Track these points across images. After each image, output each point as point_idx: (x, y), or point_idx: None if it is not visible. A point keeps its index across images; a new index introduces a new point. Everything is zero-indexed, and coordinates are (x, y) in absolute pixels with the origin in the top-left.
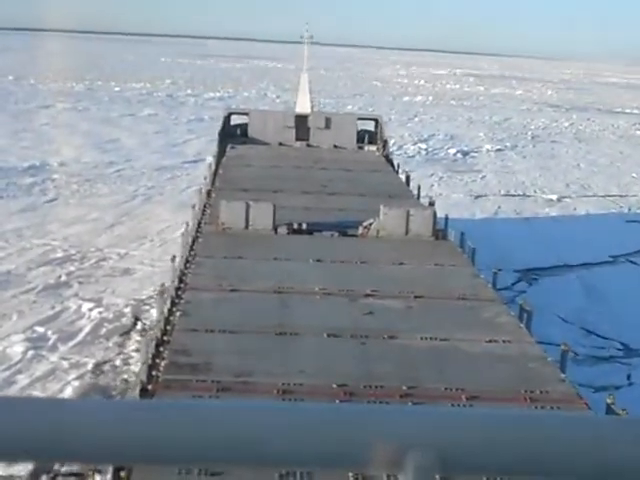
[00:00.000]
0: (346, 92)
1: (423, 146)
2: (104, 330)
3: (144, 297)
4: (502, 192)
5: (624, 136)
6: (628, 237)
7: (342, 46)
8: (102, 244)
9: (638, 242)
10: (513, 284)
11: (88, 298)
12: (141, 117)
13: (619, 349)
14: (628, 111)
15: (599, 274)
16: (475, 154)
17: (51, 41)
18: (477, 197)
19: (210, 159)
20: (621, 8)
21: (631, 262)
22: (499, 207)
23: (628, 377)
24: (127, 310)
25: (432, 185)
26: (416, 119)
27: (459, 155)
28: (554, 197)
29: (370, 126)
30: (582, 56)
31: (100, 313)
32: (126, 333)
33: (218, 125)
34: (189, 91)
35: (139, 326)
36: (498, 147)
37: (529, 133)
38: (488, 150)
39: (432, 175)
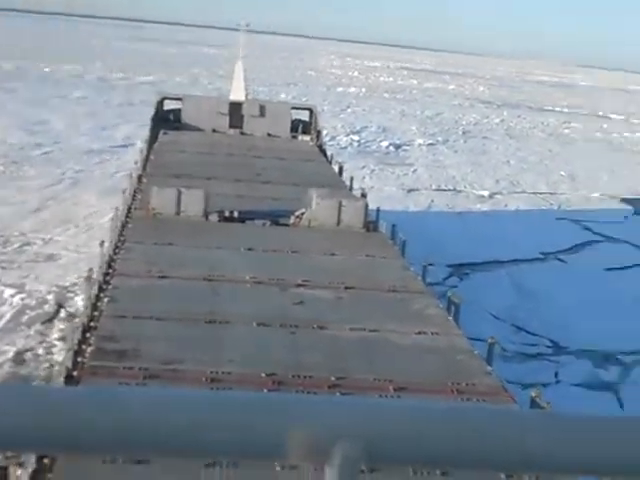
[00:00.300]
0: (280, 81)
1: (355, 138)
2: (26, 317)
3: (68, 284)
4: (433, 186)
5: (553, 134)
6: (558, 235)
7: (278, 35)
8: (26, 228)
9: (567, 240)
10: (445, 279)
11: (10, 284)
12: (71, 99)
13: (548, 346)
14: (558, 109)
15: (529, 271)
16: (407, 147)
17: None
18: (410, 191)
19: (140, 144)
20: (556, 10)
21: (560, 260)
22: (432, 201)
23: (556, 375)
24: (50, 297)
25: (364, 177)
26: (349, 110)
27: (391, 148)
28: (485, 193)
29: (304, 116)
30: (516, 54)
31: (22, 300)
32: (49, 321)
33: (149, 110)
34: (121, 74)
35: (63, 314)
36: (430, 141)
37: (460, 128)
38: (420, 144)
39: (364, 167)
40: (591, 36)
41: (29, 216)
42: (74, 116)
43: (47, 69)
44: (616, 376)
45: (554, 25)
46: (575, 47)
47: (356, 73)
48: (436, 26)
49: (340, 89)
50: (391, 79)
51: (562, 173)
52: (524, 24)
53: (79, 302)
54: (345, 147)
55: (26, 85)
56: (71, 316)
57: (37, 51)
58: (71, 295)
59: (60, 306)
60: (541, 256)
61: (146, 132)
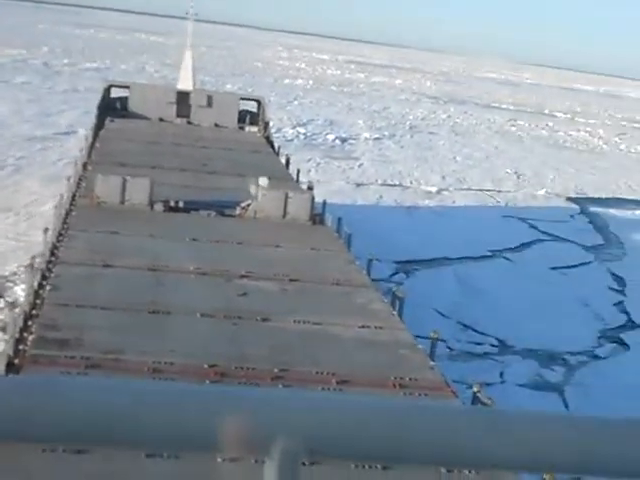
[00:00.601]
0: (226, 71)
1: (302, 130)
2: None
3: (7, 273)
4: (379, 181)
5: (499, 131)
6: (505, 233)
7: (227, 25)
8: None
9: (514, 238)
10: (391, 275)
11: None
12: (14, 85)
13: (494, 345)
14: (504, 107)
15: (475, 269)
16: (353, 141)
17: None
18: (357, 185)
19: (83, 131)
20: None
21: (506, 258)
22: (380, 197)
23: (501, 374)
24: None
25: (309, 170)
26: (296, 102)
27: (337, 141)
28: (433, 189)
29: (252, 107)
30: (465, 51)
31: None
32: None
33: (94, 96)
34: (66, 60)
35: (1, 303)
36: (376, 135)
37: (407, 123)
38: (366, 138)
39: (310, 160)
40: (540, 35)
41: None
42: (17, 102)
43: None
44: (561, 377)
45: (504, 23)
46: (523, 45)
47: (304, 65)
48: (385, 21)
49: (287, 81)
50: (339, 72)
51: (508, 170)
52: (474, 21)
53: (19, 291)
54: (291, 139)
55: None
56: (11, 305)
57: None
58: (10, 285)
59: None
60: (488, 254)
61: (91, 119)
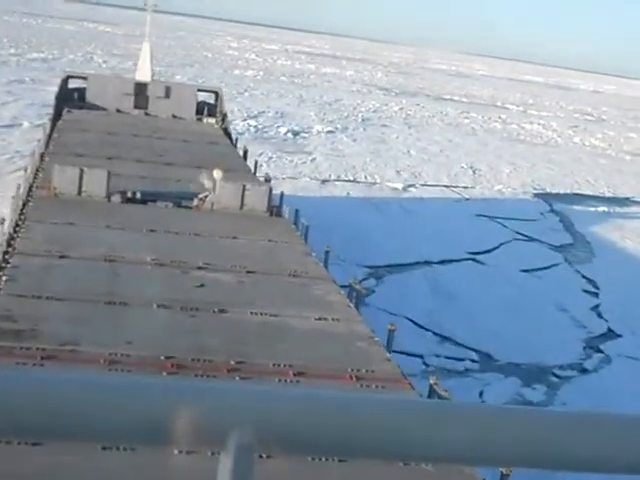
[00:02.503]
0: (176, 61)
1: (253, 123)
2: None
3: None
4: (333, 176)
5: (452, 124)
6: (473, 232)
7: (176, 14)
8: None
9: (483, 238)
10: (360, 281)
11: None
12: None
13: (474, 360)
14: (457, 99)
15: (447, 274)
16: (305, 135)
17: None
18: (324, 182)
19: (28, 124)
20: None
21: (478, 262)
22: (347, 194)
23: (480, 394)
24: None
25: (261, 165)
26: (246, 94)
27: (289, 135)
28: (399, 186)
29: (210, 99)
30: (414, 41)
31: None
32: None
33: (39, 87)
34: (12, 50)
35: None
36: (329, 128)
37: (359, 115)
38: (319, 131)
39: (261, 154)
40: (489, 26)
41: None
42: None
43: None
44: (543, 396)
45: (453, 13)
46: (472, 36)
47: (253, 56)
48: (334, 10)
49: (237, 72)
50: (289, 63)
51: (463, 165)
52: (423, 12)
53: None
54: (242, 133)
55: None
56: None
57: None
58: None
59: None
60: (458, 256)
61: (35, 111)
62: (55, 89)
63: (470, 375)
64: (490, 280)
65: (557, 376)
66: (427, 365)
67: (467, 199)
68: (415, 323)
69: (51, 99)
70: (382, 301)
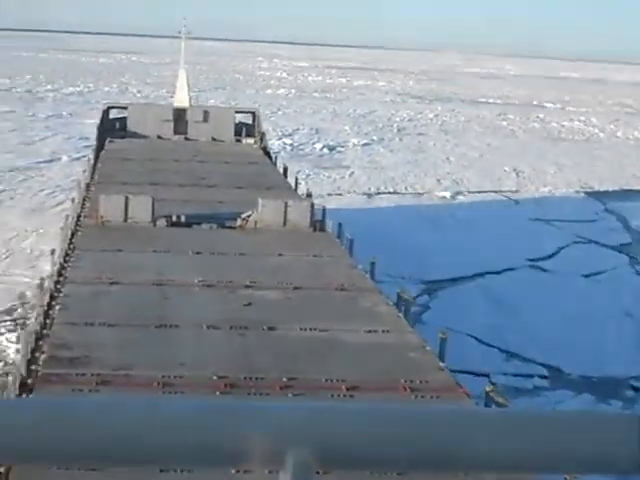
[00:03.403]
0: (208, 86)
1: (288, 141)
2: None
3: None
4: (372, 189)
5: (490, 127)
6: (527, 237)
7: (206, 40)
8: None
9: (538, 242)
10: (415, 297)
11: None
12: None
13: (543, 376)
14: (491, 101)
15: (511, 284)
16: (342, 149)
17: None
18: (369, 196)
19: (67, 158)
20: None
21: (533, 267)
22: (395, 206)
23: None
24: None
25: (299, 183)
26: (279, 113)
27: (325, 150)
28: (447, 194)
29: (248, 119)
30: (443, 47)
31: None
32: None
33: (76, 121)
34: (49, 86)
35: None
36: (365, 141)
37: (395, 126)
38: (355, 144)
39: (299, 172)
40: (514, 25)
41: None
42: None
43: None
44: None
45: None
46: (499, 37)
47: (284, 74)
48: (361, 23)
49: (269, 91)
50: (320, 78)
51: (505, 168)
52: (446, 17)
53: (1, 342)
54: (278, 152)
55: None
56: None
57: None
58: None
59: None
60: (520, 264)
61: (73, 145)
62: (91, 121)
63: (541, 393)
64: (552, 288)
65: (635, 389)
66: (494, 385)
67: (517, 203)
68: (478, 339)
69: (88, 132)
70: (441, 318)
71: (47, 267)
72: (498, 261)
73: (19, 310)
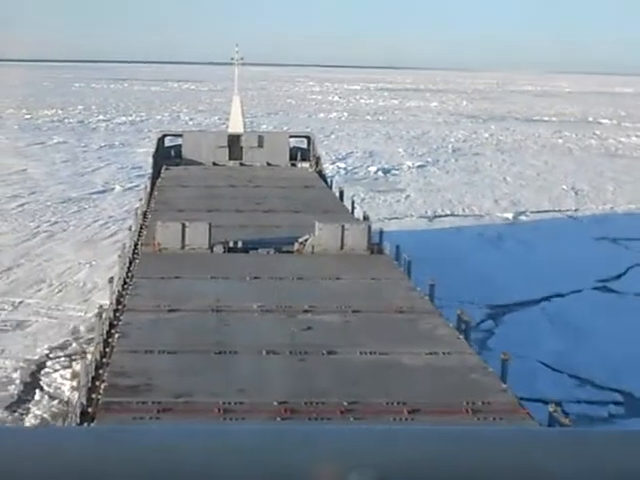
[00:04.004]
0: (260, 111)
1: (342, 165)
2: None
3: (37, 357)
4: (429, 212)
5: (546, 145)
6: (605, 258)
7: (255, 65)
8: None
9: (617, 263)
10: (480, 323)
11: None
12: (50, 145)
13: (618, 402)
14: (546, 119)
15: (579, 307)
16: (396, 171)
17: None
18: (431, 219)
19: (120, 188)
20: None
21: (603, 289)
22: (458, 229)
23: None
24: (16, 375)
25: (353, 210)
26: (332, 136)
27: (380, 173)
28: (509, 216)
29: (302, 144)
30: (493, 66)
31: None
32: (12, 406)
33: (129, 151)
34: (101, 116)
35: (37, 395)
36: (419, 163)
37: (449, 146)
38: (409, 167)
39: (353, 196)
40: (562, 41)
41: None
42: (52, 163)
43: (28, 116)
44: None
45: (531, 35)
46: (554, 55)
47: (336, 97)
48: (410, 45)
49: (321, 115)
50: (372, 101)
51: (564, 187)
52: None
53: (56, 379)
54: (332, 176)
55: (6, 134)
56: (51, 398)
57: (18, 98)
58: (36, 369)
59: (29, 386)
60: (588, 286)
61: (126, 174)
62: (143, 150)
63: (617, 422)
64: (622, 310)
65: None
66: (567, 414)
67: (579, 222)
68: (546, 365)
69: (140, 161)
70: (506, 343)
71: (100, 301)
72: (564, 283)
73: (73, 345)
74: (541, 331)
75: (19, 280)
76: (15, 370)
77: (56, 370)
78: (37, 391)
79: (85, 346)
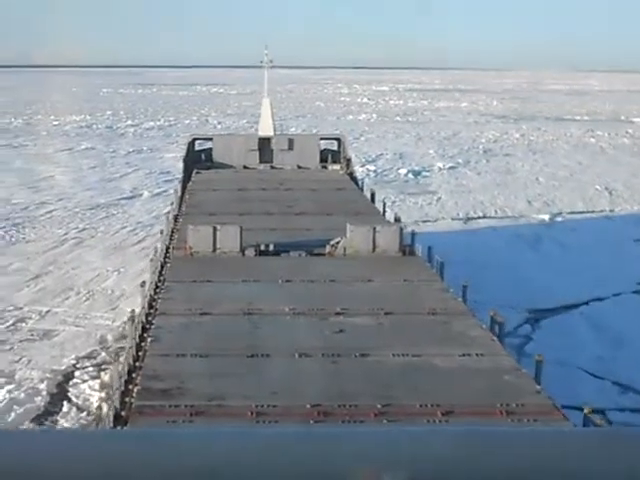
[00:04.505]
0: (289, 114)
1: (372, 167)
2: (13, 415)
3: (63, 367)
4: (461, 214)
5: (578, 145)
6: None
7: (283, 68)
8: (22, 301)
9: None
10: (517, 327)
11: None
12: (78, 151)
13: None
14: (578, 118)
15: (618, 311)
16: (427, 173)
17: None
18: (467, 220)
19: (148, 194)
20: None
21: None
22: (493, 230)
23: None
24: (42, 386)
25: (385, 212)
26: (362, 138)
27: (410, 175)
28: (545, 217)
29: (333, 146)
30: (522, 66)
31: (10, 392)
32: (39, 418)
33: (156, 155)
34: (129, 122)
35: (65, 407)
36: (450, 164)
37: (480, 147)
38: (440, 168)
39: (384, 198)
40: (593, 39)
41: (26, 286)
42: (80, 169)
43: (56, 122)
44: None
45: (555, 32)
46: (580, 52)
47: (365, 99)
48: (440, 45)
49: (350, 117)
50: (401, 102)
51: (597, 187)
52: (522, 35)
53: (84, 390)
54: (361, 178)
55: (35, 140)
56: (79, 409)
57: (47, 105)
58: (63, 379)
59: (55, 397)
60: (628, 289)
61: (154, 180)
62: (171, 155)
63: None
64: None
65: None
66: (610, 423)
67: (615, 223)
68: (587, 372)
69: (168, 166)
70: (545, 349)
71: (128, 308)
72: (604, 286)
73: (102, 354)
74: (580, 336)
75: (47, 288)
76: (42, 381)
77: (84, 381)
78: (65, 403)
79: (112, 357)
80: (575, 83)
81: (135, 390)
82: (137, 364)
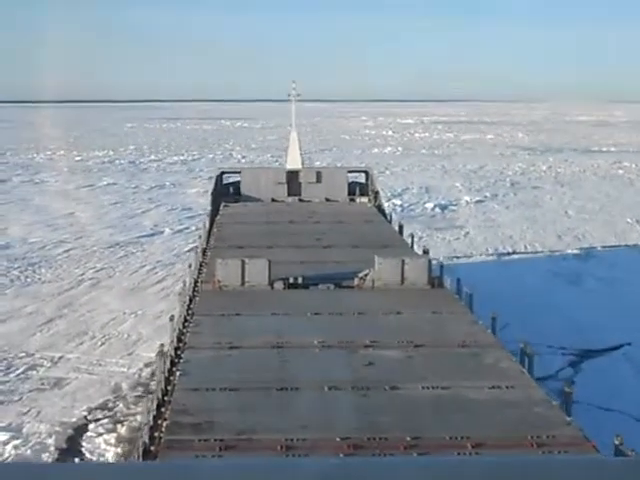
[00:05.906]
0: (314, 147)
1: (397, 202)
2: None
3: (74, 420)
4: (490, 250)
5: (607, 177)
6: None
7: (308, 101)
8: (34, 346)
9: None
10: (559, 371)
11: (4, 425)
12: (99, 187)
13: None
14: (605, 149)
15: None
16: (454, 207)
17: (17, 111)
18: (499, 256)
19: (169, 231)
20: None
21: None
22: (526, 265)
23: None
24: (50, 441)
25: (413, 244)
26: (387, 172)
27: (437, 210)
28: (578, 252)
29: (361, 179)
30: (545, 97)
31: (15, 448)
32: None
33: (179, 191)
34: (152, 156)
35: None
36: (477, 198)
37: (507, 180)
38: (467, 202)
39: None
40: (615, 71)
41: (39, 330)
42: (101, 206)
43: (78, 157)
44: None
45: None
46: (607, 84)
47: (390, 132)
48: (458, 77)
49: (375, 150)
50: (427, 134)
51: (628, 220)
52: (548, 67)
53: (99, 445)
54: (387, 213)
55: (56, 176)
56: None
57: (70, 140)
58: (72, 433)
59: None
60: None
61: (176, 216)
62: (194, 190)
63: None
64: None
65: None
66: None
67: None
68: (635, 418)
69: (191, 202)
70: (590, 394)
71: (145, 354)
72: None
73: (118, 405)
74: (626, 380)
75: (60, 333)
76: (50, 435)
77: (99, 434)
78: (76, 460)
79: (128, 408)
80: (600, 114)
81: (164, 425)
82: (166, 398)
